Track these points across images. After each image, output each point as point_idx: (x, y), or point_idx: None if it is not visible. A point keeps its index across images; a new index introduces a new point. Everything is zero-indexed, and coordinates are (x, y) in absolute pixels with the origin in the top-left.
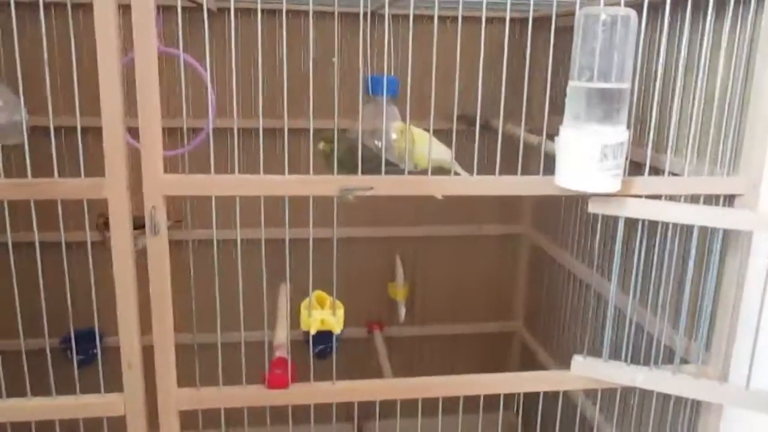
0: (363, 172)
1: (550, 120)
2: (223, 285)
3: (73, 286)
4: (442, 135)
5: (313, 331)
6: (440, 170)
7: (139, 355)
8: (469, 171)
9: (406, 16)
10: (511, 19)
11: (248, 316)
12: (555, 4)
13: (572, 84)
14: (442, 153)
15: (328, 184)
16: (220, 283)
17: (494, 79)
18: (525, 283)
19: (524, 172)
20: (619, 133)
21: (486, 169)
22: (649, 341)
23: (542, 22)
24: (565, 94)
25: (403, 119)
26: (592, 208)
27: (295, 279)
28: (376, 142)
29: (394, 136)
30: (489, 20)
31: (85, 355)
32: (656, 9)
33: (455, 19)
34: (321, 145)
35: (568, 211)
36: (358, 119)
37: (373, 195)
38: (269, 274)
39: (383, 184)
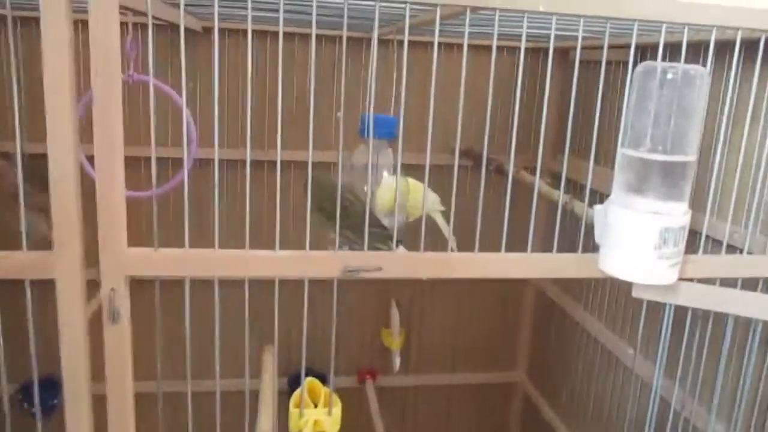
0: (348, 228)
1: (559, 159)
2: (194, 330)
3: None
4: (444, 171)
5: None
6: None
7: None
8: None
9: (411, 43)
10: (520, 49)
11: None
12: (581, 36)
13: (625, 152)
14: (432, 201)
15: (329, 263)
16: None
17: (500, 114)
18: (529, 332)
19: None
20: (681, 215)
21: (493, 216)
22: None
23: (547, 53)
24: (580, 132)
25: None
26: (637, 293)
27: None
28: (365, 188)
29: (386, 178)
30: (498, 49)
31: (43, 406)
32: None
33: (460, 47)
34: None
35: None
36: (346, 163)
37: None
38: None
39: (394, 265)
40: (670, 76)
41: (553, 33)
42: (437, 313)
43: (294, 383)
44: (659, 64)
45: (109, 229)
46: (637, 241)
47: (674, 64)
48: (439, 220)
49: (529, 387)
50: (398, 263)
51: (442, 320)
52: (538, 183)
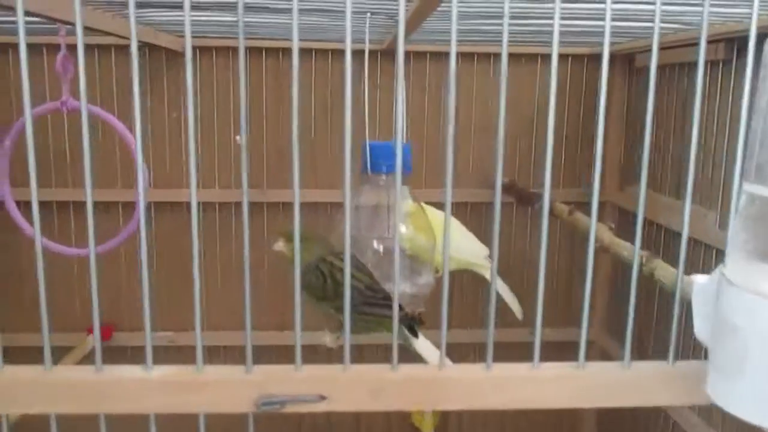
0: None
1: (628, 192)
2: None
3: None
4: (480, 210)
5: None
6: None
7: None
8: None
9: (431, 54)
10: (574, 56)
11: None
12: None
13: (752, 191)
14: (474, 251)
15: (235, 391)
16: None
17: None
18: (593, 415)
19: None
20: None
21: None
22: None
23: (613, 59)
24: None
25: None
26: None
27: None
28: (375, 246)
29: (403, 229)
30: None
31: None
32: None
33: (496, 56)
34: (279, 245)
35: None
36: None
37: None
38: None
39: (347, 391)
40: None
41: (608, 12)
42: None
43: None
44: None
45: None
46: None
47: None
48: (510, 299)
49: None
50: (353, 388)
51: None
52: (601, 233)
